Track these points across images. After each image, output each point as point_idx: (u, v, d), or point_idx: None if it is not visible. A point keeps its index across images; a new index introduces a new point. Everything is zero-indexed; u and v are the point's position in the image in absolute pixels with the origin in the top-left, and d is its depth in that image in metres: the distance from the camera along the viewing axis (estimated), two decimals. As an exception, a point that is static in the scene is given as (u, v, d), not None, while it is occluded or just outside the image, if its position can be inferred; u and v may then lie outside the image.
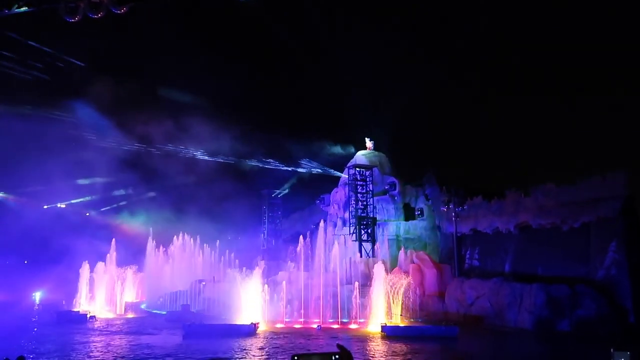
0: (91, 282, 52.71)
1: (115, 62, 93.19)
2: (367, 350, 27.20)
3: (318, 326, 37.49)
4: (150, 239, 59.78)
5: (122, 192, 71.79)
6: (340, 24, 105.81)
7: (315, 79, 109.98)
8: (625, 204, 36.75)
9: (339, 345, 2.77)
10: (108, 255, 54.90)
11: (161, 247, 59.62)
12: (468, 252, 49.14)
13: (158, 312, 48.86)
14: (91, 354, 25.55)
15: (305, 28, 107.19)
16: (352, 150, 62.62)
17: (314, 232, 64.10)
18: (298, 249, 49.76)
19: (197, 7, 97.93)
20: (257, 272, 44.80)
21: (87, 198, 70.49)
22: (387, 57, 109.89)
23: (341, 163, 61.30)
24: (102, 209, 72.06)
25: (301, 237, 51.38)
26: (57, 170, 59.79)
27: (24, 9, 15.82)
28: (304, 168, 67.64)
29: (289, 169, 69.82)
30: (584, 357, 21.83)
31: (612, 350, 3.80)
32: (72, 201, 69.63)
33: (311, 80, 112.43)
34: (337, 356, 2.73)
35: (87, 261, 52.56)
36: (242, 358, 24.22)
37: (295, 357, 2.74)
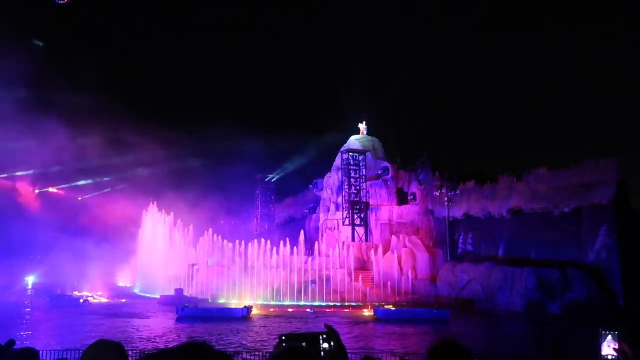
0: (85, 266, 52.63)
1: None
2: (359, 332, 27.40)
3: (311, 309, 37.68)
4: (144, 222, 59.54)
5: (112, 177, 71.32)
6: (336, 6, 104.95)
7: (311, 64, 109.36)
8: (617, 189, 36.96)
9: (326, 325, 2.72)
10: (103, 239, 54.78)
11: (154, 231, 59.37)
12: (461, 236, 49.33)
13: (151, 295, 48.95)
14: (83, 337, 25.52)
15: (301, 10, 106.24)
16: (346, 134, 62.42)
17: (307, 217, 64.30)
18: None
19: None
20: (251, 257, 44.94)
21: (80, 182, 70.10)
22: (383, 43, 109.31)
23: (334, 147, 61.16)
24: (95, 193, 71.60)
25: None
26: (50, 154, 59.32)
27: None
28: (297, 152, 67.55)
29: (283, 153, 69.73)
30: (573, 338, 22.09)
31: (600, 330, 3.81)
32: (65, 185, 69.19)
33: (306, 64, 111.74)
34: (324, 336, 2.68)
35: (80, 246, 52.57)
36: (232, 340, 24.30)
37: (283, 337, 2.68)
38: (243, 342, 23.78)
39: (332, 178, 59.91)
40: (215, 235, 53.18)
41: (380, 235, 52.81)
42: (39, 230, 53.67)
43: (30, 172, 61.86)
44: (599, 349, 3.98)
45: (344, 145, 59.39)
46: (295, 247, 48.89)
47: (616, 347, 3.81)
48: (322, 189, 61.73)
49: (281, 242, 49.18)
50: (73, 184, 69.63)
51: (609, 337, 3.79)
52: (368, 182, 55.05)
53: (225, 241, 50.92)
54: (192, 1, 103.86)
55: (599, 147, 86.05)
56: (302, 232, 53.28)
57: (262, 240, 49.74)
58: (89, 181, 70.52)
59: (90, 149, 63.68)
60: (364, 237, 52.53)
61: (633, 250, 35.46)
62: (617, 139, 79.64)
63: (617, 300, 35.04)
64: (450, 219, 48.79)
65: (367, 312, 35.76)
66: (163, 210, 58.86)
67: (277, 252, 48.01)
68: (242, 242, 49.10)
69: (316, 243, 50.55)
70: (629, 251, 35.61)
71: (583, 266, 36.87)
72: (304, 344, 2.51)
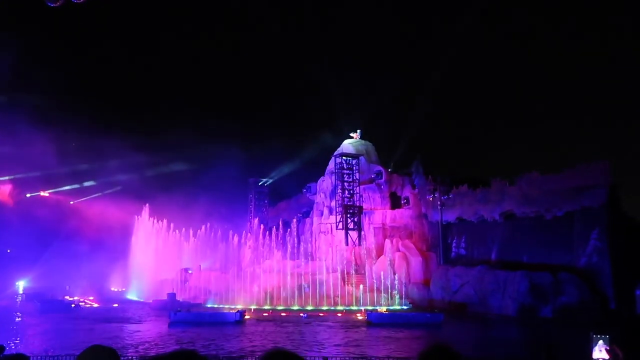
0: (76, 271, 52.32)
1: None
2: (352, 337, 27.35)
3: (304, 314, 37.59)
4: (136, 227, 59.24)
5: (104, 181, 70.93)
6: (329, 12, 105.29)
7: (303, 68, 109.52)
8: (609, 192, 37.19)
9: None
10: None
11: (146, 235, 59.08)
12: (454, 240, 49.42)
13: (144, 300, 48.67)
14: (75, 342, 25.31)
15: (294, 13, 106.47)
16: (339, 138, 62.48)
17: (300, 221, 64.21)
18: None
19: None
20: (244, 261, 44.76)
21: (71, 186, 69.70)
22: (377, 47, 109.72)
23: (328, 151, 61.18)
24: (87, 197, 71.22)
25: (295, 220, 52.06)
26: (39, 157, 59.00)
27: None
28: (291, 156, 67.47)
29: (276, 157, 69.62)
30: (565, 341, 22.17)
31: (591, 334, 3.83)
32: (56, 189, 68.77)
33: (301, 69, 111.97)
34: None
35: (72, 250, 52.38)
36: (224, 345, 24.17)
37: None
38: (235, 347, 23.67)
39: (326, 182, 59.93)
40: (207, 225, 53.40)
41: (374, 239, 52.82)
42: (29, 235, 53.30)
43: (17, 176, 61.59)
44: (591, 353, 4.00)
45: (338, 149, 59.43)
46: (288, 251, 48.82)
47: (608, 348, 3.84)
48: (315, 193, 61.70)
49: (274, 246, 49.11)
50: (63, 188, 69.20)
51: (600, 341, 3.82)
52: (361, 186, 55.05)
53: (219, 232, 51.06)
54: (184, 2, 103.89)
55: (591, 149, 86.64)
56: (295, 236, 53.21)
57: (255, 226, 49.90)
58: (79, 185, 70.15)
59: (82, 153, 63.44)
60: (357, 241, 52.49)
61: (624, 253, 35.67)
62: (608, 141, 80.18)
63: (609, 303, 35.21)
64: (444, 223, 48.91)
65: (360, 317, 35.71)
66: (155, 215, 58.60)
67: (270, 257, 47.95)
68: (235, 235, 49.15)
69: (309, 247, 50.49)
70: (620, 254, 35.82)
71: (575, 270, 37.04)
72: None
